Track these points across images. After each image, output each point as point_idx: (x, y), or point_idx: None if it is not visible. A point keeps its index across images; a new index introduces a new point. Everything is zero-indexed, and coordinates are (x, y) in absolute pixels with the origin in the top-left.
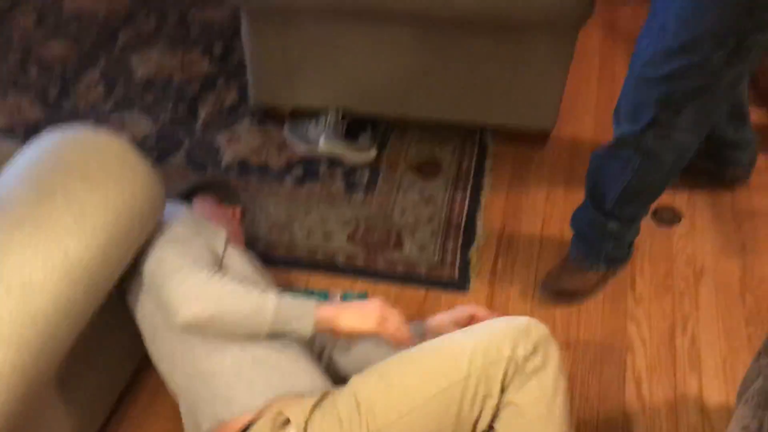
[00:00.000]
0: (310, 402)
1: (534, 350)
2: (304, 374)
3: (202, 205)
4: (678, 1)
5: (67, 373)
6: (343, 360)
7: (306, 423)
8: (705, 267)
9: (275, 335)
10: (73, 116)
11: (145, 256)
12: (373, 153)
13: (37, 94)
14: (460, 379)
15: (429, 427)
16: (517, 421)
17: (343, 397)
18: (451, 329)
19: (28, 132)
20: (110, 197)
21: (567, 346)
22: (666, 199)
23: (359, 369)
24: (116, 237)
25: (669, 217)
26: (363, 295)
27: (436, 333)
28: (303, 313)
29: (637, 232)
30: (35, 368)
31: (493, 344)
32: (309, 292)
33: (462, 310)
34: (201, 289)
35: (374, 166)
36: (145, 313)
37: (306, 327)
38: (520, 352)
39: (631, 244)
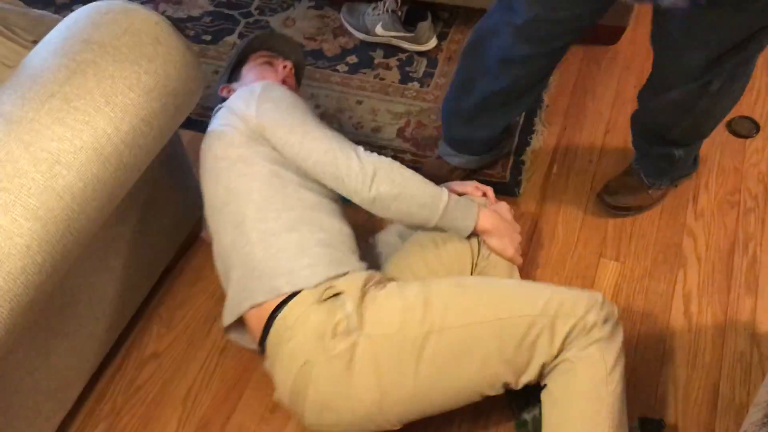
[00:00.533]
0: (362, 277)
1: (604, 321)
2: (357, 258)
3: (250, 71)
4: None
5: (112, 244)
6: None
7: (362, 296)
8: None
9: (437, 229)
10: None
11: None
12: (432, 43)
13: None
14: (531, 315)
15: (482, 346)
16: (568, 378)
17: (413, 287)
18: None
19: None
20: (142, 75)
21: (617, 258)
22: (745, 108)
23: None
24: (147, 117)
25: (745, 128)
26: None
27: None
28: (467, 215)
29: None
30: (62, 243)
31: (570, 300)
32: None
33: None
34: (388, 167)
35: (432, 57)
36: (235, 177)
37: (467, 228)
38: (591, 317)
39: (697, 158)
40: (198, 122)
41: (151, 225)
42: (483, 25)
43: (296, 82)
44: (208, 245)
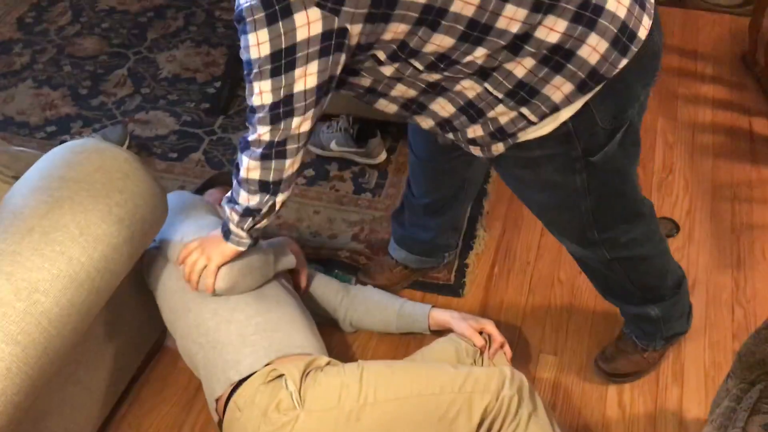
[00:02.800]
0: (304, 360)
1: (518, 394)
2: (300, 335)
3: (213, 196)
4: None
5: (81, 358)
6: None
7: (303, 377)
8: (698, 279)
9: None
10: (102, 112)
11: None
12: (382, 157)
13: (69, 90)
14: (450, 392)
15: (410, 419)
16: None
17: (350, 367)
18: (463, 327)
19: (60, 127)
20: (113, 207)
21: (555, 353)
22: (666, 210)
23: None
24: (118, 245)
25: (667, 229)
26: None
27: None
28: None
29: (687, 298)
30: (39, 364)
31: (484, 377)
32: (335, 275)
33: (483, 323)
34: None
35: (383, 170)
36: (167, 294)
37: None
38: (505, 392)
39: (688, 314)
40: None
41: (118, 337)
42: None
43: None
44: (172, 353)
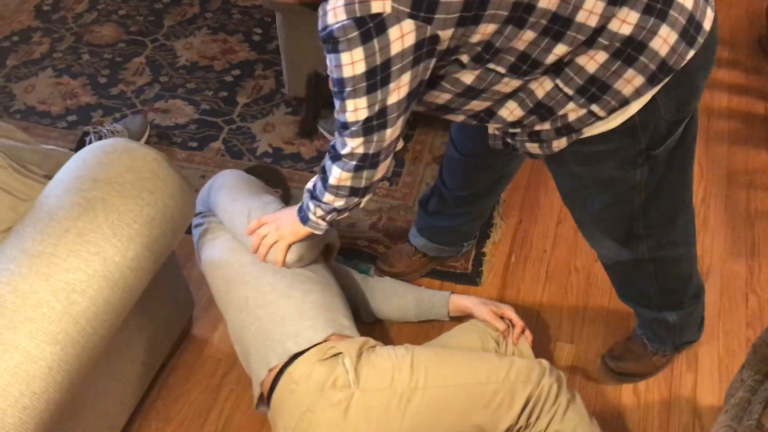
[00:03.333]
0: (358, 341)
1: (558, 384)
2: (347, 317)
3: None
4: None
5: (113, 349)
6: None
7: (358, 356)
8: (712, 267)
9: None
10: (121, 101)
11: (227, 209)
12: (399, 145)
13: (88, 78)
14: (495, 381)
15: (456, 405)
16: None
17: (400, 350)
18: (484, 312)
19: (81, 116)
20: (144, 207)
21: (571, 341)
22: None
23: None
24: (150, 243)
25: None
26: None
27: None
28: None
29: (703, 308)
30: (78, 362)
31: (525, 368)
32: (354, 265)
33: (503, 308)
34: None
35: (400, 158)
36: (223, 265)
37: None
38: (545, 381)
39: (701, 324)
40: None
41: (147, 327)
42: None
43: None
44: (198, 341)
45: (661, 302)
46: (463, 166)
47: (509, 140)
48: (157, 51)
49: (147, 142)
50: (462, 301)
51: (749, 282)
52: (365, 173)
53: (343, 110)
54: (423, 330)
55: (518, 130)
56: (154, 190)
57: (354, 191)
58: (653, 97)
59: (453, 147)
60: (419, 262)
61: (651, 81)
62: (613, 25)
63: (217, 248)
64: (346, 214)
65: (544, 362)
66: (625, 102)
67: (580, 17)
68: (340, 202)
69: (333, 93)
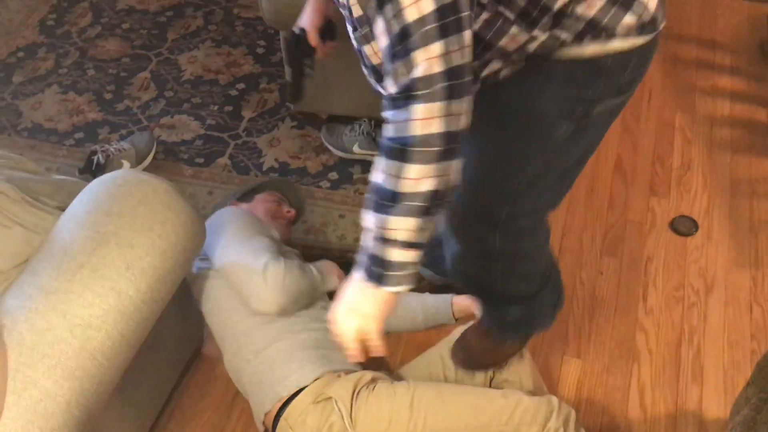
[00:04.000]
0: (352, 380)
1: (564, 426)
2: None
3: (261, 202)
4: None
5: (126, 376)
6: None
7: (354, 398)
8: (716, 278)
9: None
10: (128, 117)
11: (217, 255)
12: None
13: (94, 94)
14: (498, 424)
15: None
16: None
17: (400, 389)
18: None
19: (88, 133)
20: (156, 240)
21: (577, 355)
22: (685, 207)
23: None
24: (162, 275)
25: (686, 227)
26: None
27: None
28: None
29: (558, 294)
30: (95, 395)
31: (532, 407)
32: None
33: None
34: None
35: None
36: (216, 311)
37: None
38: (552, 424)
39: (554, 309)
40: None
41: (160, 351)
42: None
43: (291, 225)
44: (210, 360)
45: (502, 300)
46: None
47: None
48: (162, 65)
49: (154, 159)
50: (464, 301)
51: (753, 293)
52: (462, 103)
53: (399, 8)
54: (431, 342)
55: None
56: (165, 221)
57: (450, 138)
58: (632, 49)
59: None
60: (425, 288)
61: (639, 30)
62: None
63: (212, 294)
64: (441, 211)
65: (554, 400)
66: (612, 35)
67: None
68: (429, 180)
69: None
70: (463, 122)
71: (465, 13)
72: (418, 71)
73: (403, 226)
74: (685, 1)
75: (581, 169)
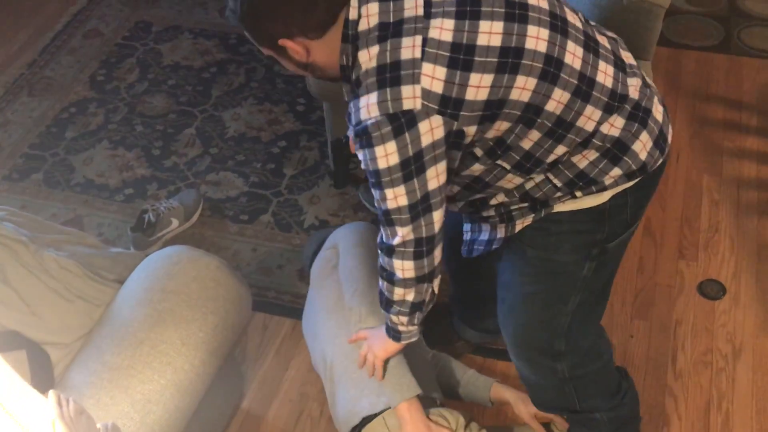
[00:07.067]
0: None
1: None
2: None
3: None
4: None
5: None
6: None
7: None
8: (744, 344)
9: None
10: (175, 173)
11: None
12: None
13: (143, 150)
14: None
15: None
16: None
17: None
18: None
19: (137, 189)
20: (209, 315)
21: None
22: (712, 271)
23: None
24: (214, 349)
25: (713, 291)
26: None
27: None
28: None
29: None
30: None
31: None
32: None
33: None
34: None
35: None
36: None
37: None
38: None
39: (636, 408)
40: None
41: (204, 411)
42: None
43: None
44: (254, 419)
45: (584, 408)
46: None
47: (476, 227)
48: (207, 122)
49: (200, 216)
50: (504, 393)
51: None
52: (426, 261)
53: (383, 199)
54: (466, 406)
55: (492, 213)
56: (216, 297)
57: (420, 278)
58: (625, 190)
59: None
60: (463, 347)
61: (629, 177)
62: (604, 128)
63: (319, 296)
64: (430, 307)
65: None
66: (603, 188)
67: (581, 122)
68: (410, 295)
69: (371, 184)
70: (431, 266)
71: (435, 200)
72: (396, 240)
73: (399, 321)
74: (712, 62)
75: (613, 279)
